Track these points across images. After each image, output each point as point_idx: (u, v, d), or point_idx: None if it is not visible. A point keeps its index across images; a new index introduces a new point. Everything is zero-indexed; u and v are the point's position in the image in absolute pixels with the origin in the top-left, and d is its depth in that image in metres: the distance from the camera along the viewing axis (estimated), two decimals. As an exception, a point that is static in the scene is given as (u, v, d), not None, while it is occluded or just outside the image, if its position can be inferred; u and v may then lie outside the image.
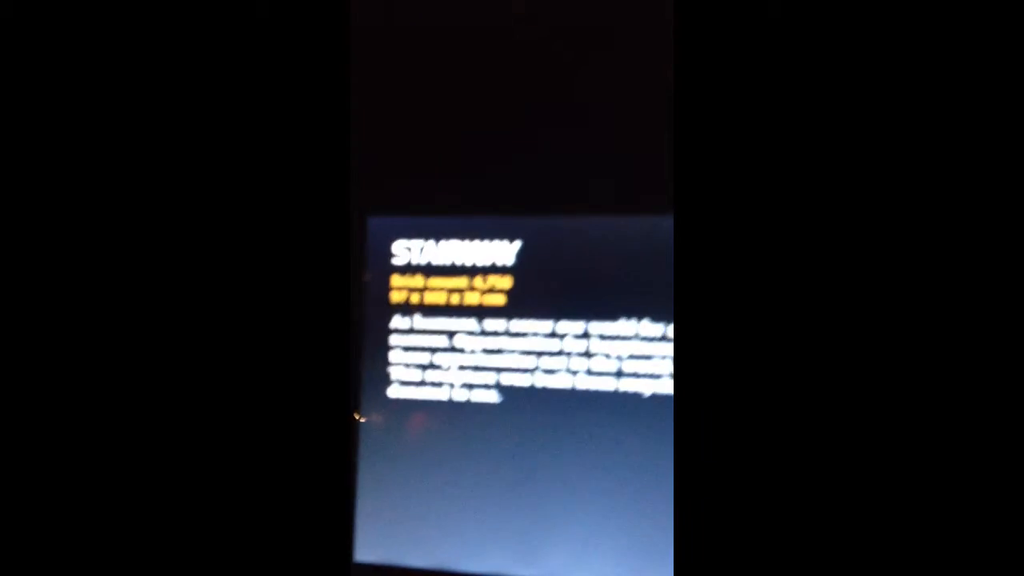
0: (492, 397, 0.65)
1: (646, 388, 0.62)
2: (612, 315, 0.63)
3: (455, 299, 0.66)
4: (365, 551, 0.66)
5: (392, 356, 0.67)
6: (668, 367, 0.62)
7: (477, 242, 0.66)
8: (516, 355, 0.65)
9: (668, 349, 0.62)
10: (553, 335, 0.64)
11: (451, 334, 0.66)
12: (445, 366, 0.66)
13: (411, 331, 0.67)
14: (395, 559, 0.66)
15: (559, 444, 0.63)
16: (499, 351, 0.65)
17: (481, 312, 0.65)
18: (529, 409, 0.64)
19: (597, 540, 0.63)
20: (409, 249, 0.67)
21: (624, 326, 0.63)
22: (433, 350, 0.66)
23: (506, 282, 0.65)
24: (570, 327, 0.63)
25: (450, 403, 0.66)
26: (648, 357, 0.62)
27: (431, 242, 0.66)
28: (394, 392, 0.67)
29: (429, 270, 0.67)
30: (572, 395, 0.63)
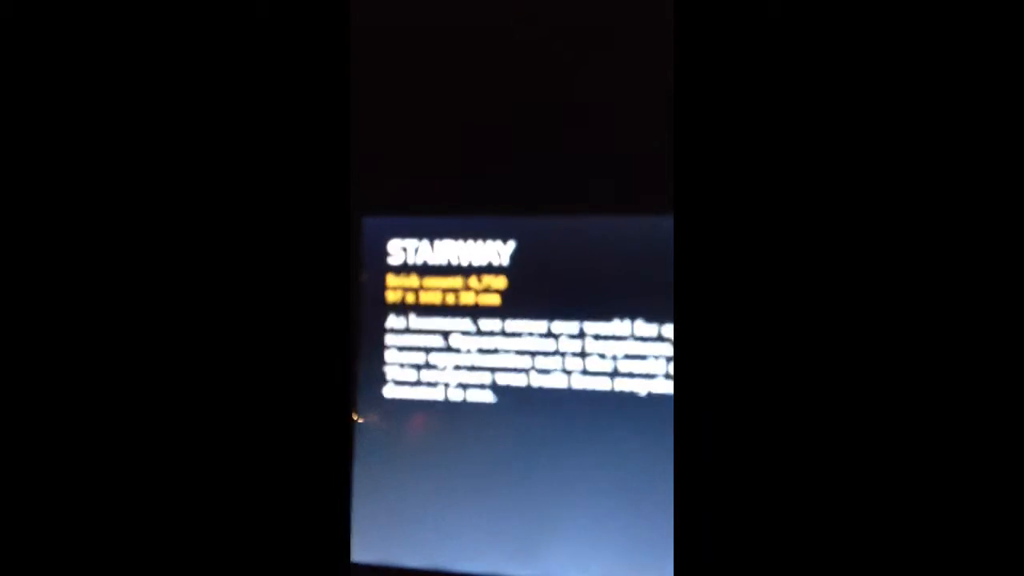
0: (488, 397, 0.65)
1: (642, 388, 0.62)
2: (607, 315, 0.63)
3: (450, 299, 0.66)
4: (361, 551, 0.66)
5: (388, 356, 0.67)
6: (663, 367, 0.62)
7: (472, 242, 0.66)
8: (511, 355, 0.65)
9: (664, 349, 0.62)
10: (548, 335, 0.64)
11: (446, 334, 0.66)
12: (440, 366, 0.66)
13: (406, 331, 0.67)
14: (391, 559, 0.66)
15: (555, 444, 0.63)
16: (494, 351, 0.65)
17: (476, 312, 0.65)
18: (525, 409, 0.64)
19: (594, 540, 0.63)
20: (404, 249, 0.67)
21: (619, 326, 0.63)
22: (428, 350, 0.66)
23: (501, 282, 0.65)
24: (565, 327, 0.64)
25: (446, 403, 0.66)
26: (643, 357, 0.62)
27: (426, 242, 0.67)
28: (390, 392, 0.67)
29: (424, 270, 0.67)
30: (568, 395, 0.63)
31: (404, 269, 0.67)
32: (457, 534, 0.65)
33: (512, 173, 0.65)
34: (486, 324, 0.65)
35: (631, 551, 0.62)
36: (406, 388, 0.66)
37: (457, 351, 0.66)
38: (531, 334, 0.64)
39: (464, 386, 0.65)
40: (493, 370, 0.65)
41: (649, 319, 0.62)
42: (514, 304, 0.65)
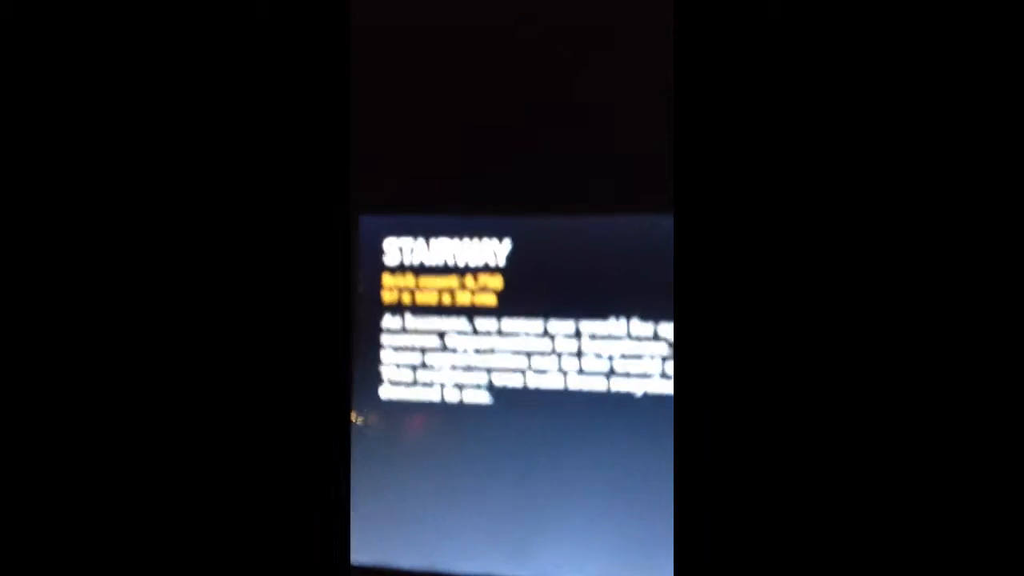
0: (484, 398, 0.65)
1: (638, 388, 0.62)
2: (603, 314, 0.63)
3: (446, 299, 0.66)
4: (356, 552, 0.65)
5: (383, 356, 0.67)
6: (660, 367, 0.62)
7: (468, 241, 0.66)
8: (507, 355, 0.64)
9: (660, 348, 0.62)
10: (545, 334, 0.64)
11: (442, 334, 0.66)
12: (436, 366, 0.66)
13: (402, 331, 0.67)
14: (387, 560, 0.66)
15: (551, 444, 0.63)
16: (491, 351, 0.65)
17: (472, 312, 0.65)
18: (521, 409, 0.64)
19: (590, 540, 0.63)
20: (400, 248, 0.67)
21: (615, 325, 0.63)
22: (424, 350, 0.66)
23: (497, 282, 0.65)
24: (561, 326, 0.63)
25: (442, 403, 0.66)
26: (639, 356, 0.62)
27: (421, 241, 0.66)
28: (385, 392, 0.67)
29: (420, 270, 0.67)
30: (564, 395, 0.63)
31: (400, 269, 0.67)
32: (453, 535, 0.65)
33: (511, 173, 0.65)
34: (482, 324, 0.65)
35: (627, 551, 0.62)
36: (402, 388, 0.66)
37: (453, 351, 0.66)
38: (527, 334, 0.64)
39: (460, 386, 0.65)
40: (489, 370, 0.65)
41: (645, 318, 0.62)
42: (510, 304, 0.65)
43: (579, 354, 0.63)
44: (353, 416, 0.67)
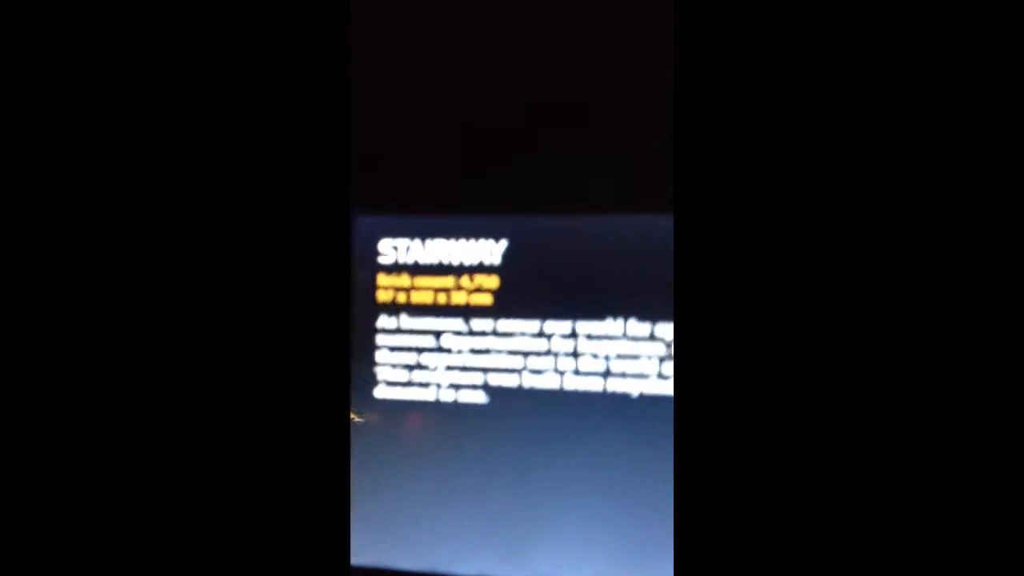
0: (480, 398, 0.65)
1: (634, 388, 0.62)
2: (599, 314, 0.63)
3: (442, 299, 0.66)
4: (352, 553, 0.65)
5: (379, 356, 0.66)
6: (656, 367, 0.62)
7: (464, 241, 0.66)
8: (503, 355, 0.64)
9: (657, 349, 0.62)
10: (540, 334, 0.64)
11: (438, 334, 0.66)
12: (432, 366, 0.66)
13: (398, 331, 0.66)
14: (383, 562, 0.65)
15: (548, 445, 0.63)
16: (486, 351, 0.65)
17: (468, 312, 0.65)
18: (517, 410, 0.64)
19: (586, 540, 0.63)
20: (395, 248, 0.67)
21: (611, 325, 0.62)
22: (420, 350, 0.66)
23: (493, 281, 0.65)
24: (557, 327, 0.63)
25: (437, 404, 0.65)
26: (636, 357, 0.62)
27: (417, 241, 0.66)
28: (381, 393, 0.66)
29: (415, 269, 0.66)
30: (560, 395, 0.63)
31: (395, 268, 0.67)
32: (449, 535, 0.65)
33: (511, 173, 0.65)
34: (478, 324, 0.65)
35: (624, 551, 0.62)
36: (397, 389, 0.66)
37: (448, 351, 0.65)
38: (523, 334, 0.64)
39: (456, 387, 0.65)
40: (485, 370, 0.65)
41: (642, 318, 0.62)
42: (506, 304, 0.64)
43: (575, 354, 0.63)
44: (355, 416, 0.66)
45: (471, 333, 0.65)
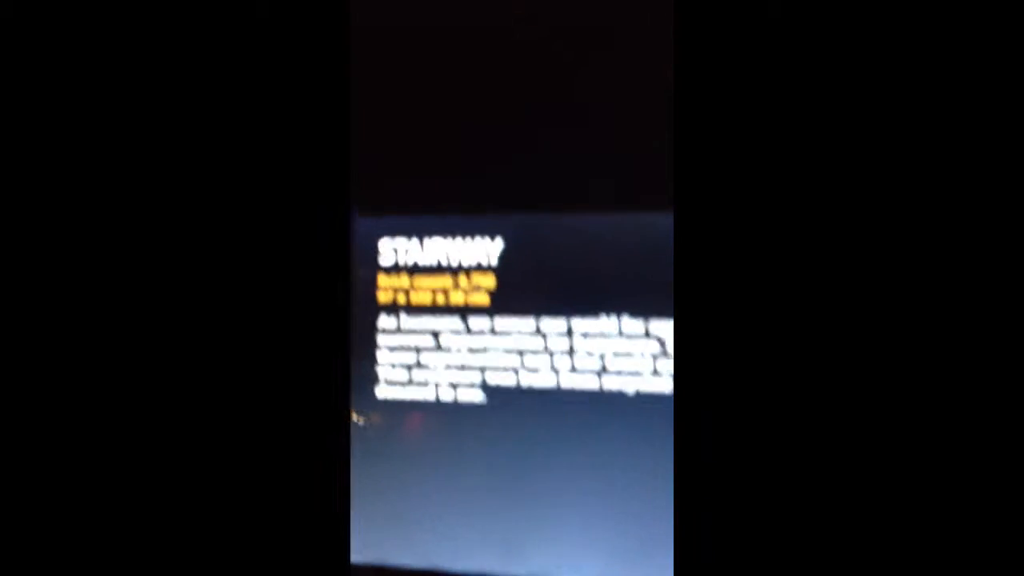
0: (477, 396, 0.65)
1: (630, 386, 0.62)
2: (595, 312, 0.63)
3: (440, 299, 0.66)
4: (355, 551, 0.65)
5: (380, 356, 0.67)
6: (651, 364, 0.62)
7: (462, 240, 0.66)
8: (500, 353, 0.65)
9: (652, 346, 0.62)
10: (537, 332, 0.64)
11: (436, 333, 0.66)
12: (431, 365, 0.66)
13: (398, 331, 0.67)
14: (383, 559, 0.66)
15: (545, 442, 0.64)
16: (484, 350, 0.65)
17: (466, 311, 0.65)
18: (514, 408, 0.64)
19: (585, 538, 0.63)
20: (395, 249, 0.67)
21: (607, 323, 0.63)
22: (419, 349, 0.66)
23: (490, 281, 0.65)
24: (553, 324, 0.64)
25: (437, 403, 0.66)
26: (631, 355, 0.62)
27: (416, 241, 0.67)
28: (381, 392, 0.67)
29: (414, 270, 0.67)
30: (557, 393, 0.63)
31: (395, 269, 0.67)
32: (448, 534, 0.65)
33: (511, 173, 0.65)
34: (475, 323, 0.65)
35: (623, 549, 0.62)
36: (397, 388, 0.66)
37: (447, 350, 0.66)
38: (520, 332, 0.64)
39: (454, 386, 0.65)
40: (483, 369, 0.65)
41: (636, 316, 0.62)
42: (503, 302, 0.65)
43: (571, 352, 0.63)
44: (355, 416, 0.67)
45: (469, 332, 0.65)
